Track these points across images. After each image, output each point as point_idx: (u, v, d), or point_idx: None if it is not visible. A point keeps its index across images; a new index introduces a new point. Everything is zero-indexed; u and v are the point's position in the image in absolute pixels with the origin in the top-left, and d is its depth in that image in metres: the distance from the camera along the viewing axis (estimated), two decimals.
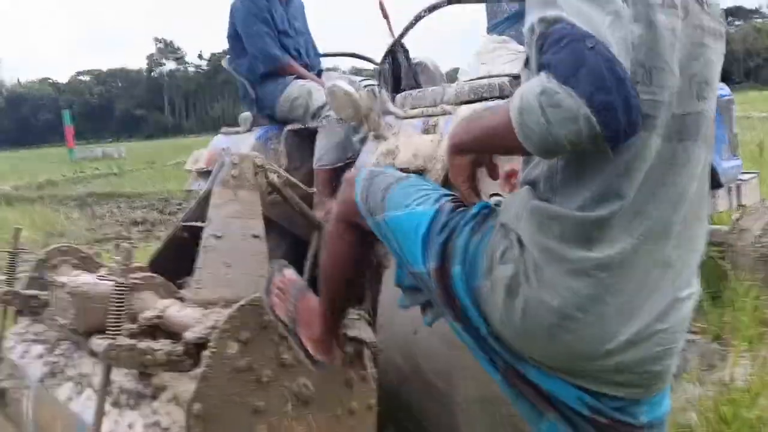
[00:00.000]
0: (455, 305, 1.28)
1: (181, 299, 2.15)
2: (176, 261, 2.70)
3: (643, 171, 1.12)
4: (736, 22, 70.74)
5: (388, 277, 2.10)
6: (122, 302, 1.67)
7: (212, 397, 1.54)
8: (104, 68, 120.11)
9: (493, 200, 1.35)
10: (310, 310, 1.67)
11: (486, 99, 2.40)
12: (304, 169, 3.31)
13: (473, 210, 1.30)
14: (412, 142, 2.19)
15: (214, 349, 1.55)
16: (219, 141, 3.42)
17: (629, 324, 1.13)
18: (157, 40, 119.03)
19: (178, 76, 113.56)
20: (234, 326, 1.57)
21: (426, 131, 2.25)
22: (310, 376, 1.67)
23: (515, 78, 2.52)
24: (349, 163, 3.15)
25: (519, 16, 2.68)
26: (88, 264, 2.87)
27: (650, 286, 1.15)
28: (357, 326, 1.76)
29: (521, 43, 2.66)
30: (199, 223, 2.82)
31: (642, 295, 1.14)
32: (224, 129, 3.49)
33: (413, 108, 2.46)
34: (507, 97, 2.46)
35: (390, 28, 2.82)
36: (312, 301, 1.70)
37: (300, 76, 3.27)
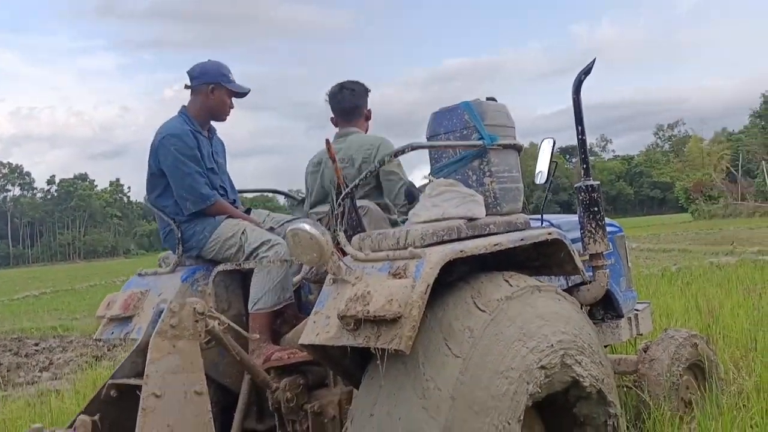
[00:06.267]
0: None
1: None
2: (103, 424, 2.36)
3: None
4: (573, 159, 78.47)
5: None
6: None
7: None
8: None
9: None
10: None
11: (446, 241, 2.38)
12: (233, 311, 3.11)
13: None
14: (386, 286, 2.09)
15: None
16: (135, 283, 3.14)
17: None
18: (1, 164, 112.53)
19: (24, 203, 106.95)
20: None
21: (395, 275, 2.17)
22: None
23: (470, 220, 2.54)
24: (287, 306, 2.99)
25: (464, 160, 2.75)
26: None
27: None
28: None
29: (467, 185, 2.71)
30: (132, 381, 2.51)
31: None
32: (141, 270, 3.21)
33: (374, 251, 2.39)
34: (464, 238, 2.47)
35: (337, 169, 2.79)
36: None
37: (231, 215, 3.12)
